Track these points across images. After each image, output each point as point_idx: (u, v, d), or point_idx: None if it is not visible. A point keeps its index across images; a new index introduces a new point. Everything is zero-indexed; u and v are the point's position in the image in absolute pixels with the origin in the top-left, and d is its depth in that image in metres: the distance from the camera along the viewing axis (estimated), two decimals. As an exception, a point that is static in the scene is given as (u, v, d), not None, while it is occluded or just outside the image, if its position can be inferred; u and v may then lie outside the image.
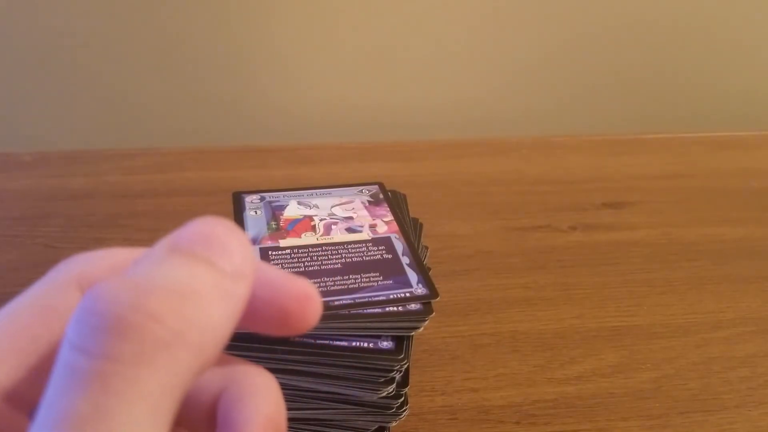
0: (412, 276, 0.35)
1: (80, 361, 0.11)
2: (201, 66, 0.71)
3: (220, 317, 0.13)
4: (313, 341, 0.31)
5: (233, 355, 0.16)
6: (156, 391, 0.12)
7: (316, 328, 0.31)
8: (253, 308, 0.15)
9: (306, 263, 0.36)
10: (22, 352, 0.14)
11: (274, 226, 0.39)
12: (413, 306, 0.33)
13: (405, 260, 0.36)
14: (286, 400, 0.16)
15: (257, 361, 0.16)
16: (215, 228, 0.14)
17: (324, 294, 0.33)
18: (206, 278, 0.13)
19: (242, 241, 0.14)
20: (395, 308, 0.33)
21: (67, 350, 0.12)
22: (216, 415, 0.15)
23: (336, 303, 0.33)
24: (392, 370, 0.31)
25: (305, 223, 0.39)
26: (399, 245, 0.38)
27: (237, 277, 0.14)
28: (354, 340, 0.32)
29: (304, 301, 0.15)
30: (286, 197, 0.42)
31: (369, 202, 0.42)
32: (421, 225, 0.43)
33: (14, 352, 0.14)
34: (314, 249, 0.37)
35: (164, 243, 0.14)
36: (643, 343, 0.43)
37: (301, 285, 0.15)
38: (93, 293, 0.12)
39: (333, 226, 0.39)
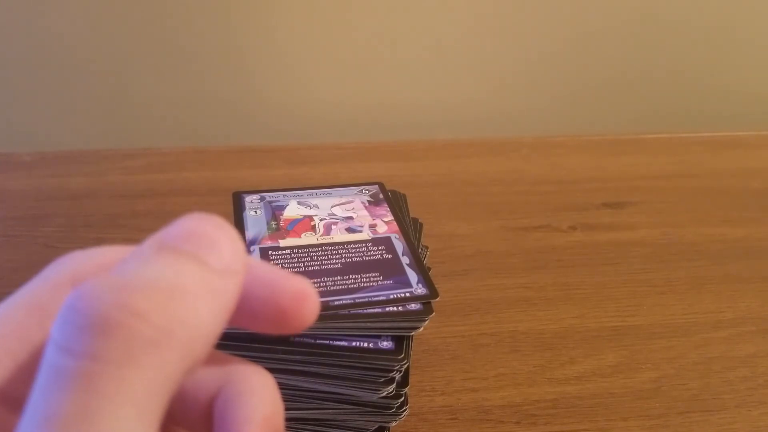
0: (412, 276, 0.35)
1: (65, 362, 0.11)
2: (201, 66, 0.71)
3: (209, 315, 0.13)
4: (313, 341, 0.31)
5: (233, 354, 0.16)
6: (143, 391, 0.11)
7: (316, 328, 0.31)
8: (249, 307, 0.15)
9: (306, 263, 0.36)
10: (15, 351, 0.14)
11: (274, 226, 0.39)
12: (413, 306, 0.33)
13: (405, 260, 0.36)
14: (286, 400, 0.16)
15: (257, 360, 0.16)
16: (204, 224, 0.14)
17: (324, 294, 0.33)
18: (194, 275, 0.13)
19: (232, 238, 0.14)
20: (395, 308, 0.33)
21: (52, 350, 0.12)
22: (213, 414, 0.15)
23: (336, 303, 0.33)
24: (392, 370, 0.31)
25: (305, 223, 0.39)
26: (399, 245, 0.38)
27: (226, 273, 0.13)
28: (354, 340, 0.32)
29: (301, 300, 0.15)
30: (286, 197, 0.42)
31: (369, 202, 0.42)
32: (421, 225, 0.43)
33: (7, 352, 0.14)
34: (314, 249, 0.37)
35: (152, 240, 0.14)
36: (643, 343, 0.43)
37: (297, 283, 0.15)
38: (78, 292, 0.12)
39: (333, 226, 0.39)
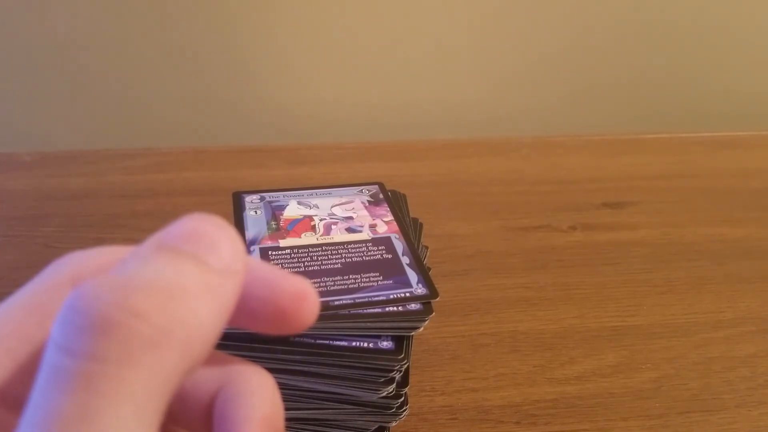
0: (412, 276, 0.35)
1: (65, 362, 0.11)
2: (201, 66, 0.71)
3: (209, 315, 0.13)
4: (313, 341, 0.31)
5: (233, 354, 0.16)
6: (142, 391, 0.11)
7: (316, 328, 0.31)
8: (249, 307, 0.15)
9: (306, 263, 0.36)
10: (15, 352, 0.14)
11: (274, 226, 0.39)
12: (413, 306, 0.33)
13: (405, 260, 0.36)
14: (286, 400, 0.16)
15: (257, 361, 0.16)
16: (204, 224, 0.14)
17: (324, 294, 0.33)
18: (193, 275, 0.13)
19: (232, 237, 0.14)
20: (395, 308, 0.33)
21: (52, 350, 0.12)
22: (213, 414, 0.15)
23: (336, 303, 0.33)
24: (392, 370, 0.31)
25: (305, 223, 0.39)
26: (399, 245, 0.38)
27: (226, 273, 0.13)
28: (354, 340, 0.32)
29: (301, 300, 0.15)
30: (286, 197, 0.42)
31: (369, 202, 0.42)
32: (421, 225, 0.43)
33: (7, 352, 0.14)
34: (314, 249, 0.37)
35: (152, 240, 0.14)
36: (643, 343, 0.43)
37: (296, 283, 0.15)
38: (77, 292, 0.12)
39: (333, 226, 0.39)
